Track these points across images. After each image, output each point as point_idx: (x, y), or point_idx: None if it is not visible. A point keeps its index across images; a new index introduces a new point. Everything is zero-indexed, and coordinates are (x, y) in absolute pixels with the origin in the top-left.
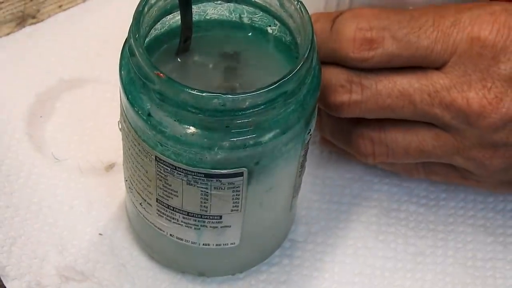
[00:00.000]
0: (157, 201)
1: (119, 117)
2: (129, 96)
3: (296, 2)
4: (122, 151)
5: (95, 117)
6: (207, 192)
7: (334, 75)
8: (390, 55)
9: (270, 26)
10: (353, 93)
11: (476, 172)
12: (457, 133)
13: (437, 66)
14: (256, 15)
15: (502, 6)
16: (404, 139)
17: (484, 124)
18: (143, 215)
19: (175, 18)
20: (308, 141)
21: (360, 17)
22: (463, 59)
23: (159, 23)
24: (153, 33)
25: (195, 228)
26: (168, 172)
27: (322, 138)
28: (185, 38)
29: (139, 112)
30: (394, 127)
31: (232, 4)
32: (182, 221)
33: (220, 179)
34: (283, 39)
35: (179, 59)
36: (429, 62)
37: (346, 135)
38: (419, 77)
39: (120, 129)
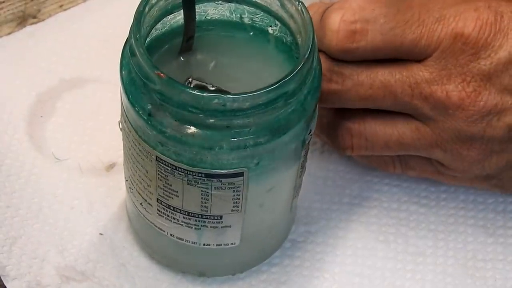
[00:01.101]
0: (157, 201)
1: (120, 117)
2: (130, 96)
3: (297, 3)
4: (122, 151)
5: (95, 117)
6: (207, 192)
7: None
8: (374, 48)
9: (270, 26)
10: (333, 82)
11: (452, 166)
12: (436, 125)
13: (420, 59)
14: (257, 16)
15: (486, 3)
16: (384, 132)
17: (462, 116)
18: (144, 215)
19: (176, 18)
20: (309, 142)
21: (345, 9)
22: (445, 54)
23: (160, 23)
24: (154, 33)
25: (195, 228)
26: (168, 172)
27: None
28: (188, 37)
29: (140, 112)
30: (374, 120)
31: (233, 4)
32: (182, 221)
33: (220, 179)
34: (284, 39)
35: (182, 58)
36: (412, 56)
37: (326, 126)
38: (401, 68)
39: (120, 129)
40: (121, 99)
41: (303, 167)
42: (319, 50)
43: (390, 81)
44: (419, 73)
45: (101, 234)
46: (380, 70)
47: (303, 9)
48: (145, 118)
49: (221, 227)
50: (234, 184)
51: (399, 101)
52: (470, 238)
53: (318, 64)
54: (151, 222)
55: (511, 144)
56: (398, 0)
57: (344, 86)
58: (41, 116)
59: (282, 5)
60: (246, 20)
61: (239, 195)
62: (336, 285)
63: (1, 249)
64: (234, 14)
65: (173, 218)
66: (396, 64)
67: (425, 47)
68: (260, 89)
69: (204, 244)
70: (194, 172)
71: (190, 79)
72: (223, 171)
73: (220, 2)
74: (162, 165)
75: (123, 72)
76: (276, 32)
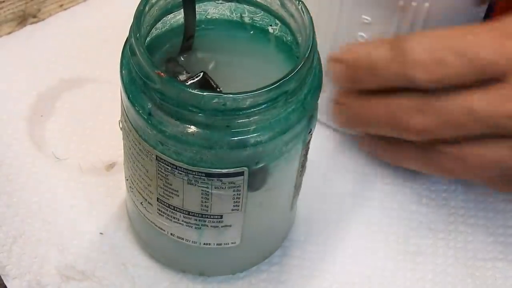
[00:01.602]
0: (157, 200)
1: (120, 116)
2: (130, 96)
3: (297, 2)
4: (122, 151)
5: (95, 116)
6: (207, 192)
7: (405, 99)
8: (460, 74)
9: (271, 25)
10: (426, 115)
11: None
12: None
13: (501, 79)
14: (257, 15)
15: None
16: (480, 153)
17: None
18: (144, 215)
19: (176, 17)
20: (309, 141)
21: (425, 38)
22: None
23: (160, 22)
24: (154, 32)
25: (195, 228)
26: (168, 172)
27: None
28: (188, 36)
29: (140, 111)
30: (469, 141)
31: (233, 4)
32: (182, 221)
33: (220, 179)
34: (284, 38)
35: (182, 58)
36: (493, 76)
37: (420, 153)
38: (486, 91)
39: (120, 129)
40: (121, 99)
41: (303, 166)
42: (399, 86)
43: (480, 106)
44: (504, 92)
45: (101, 233)
46: (468, 96)
47: (303, 8)
48: (145, 117)
49: (222, 227)
50: (234, 183)
51: (491, 124)
52: (470, 237)
53: (318, 63)
54: (151, 221)
55: None
56: (468, 24)
57: (437, 118)
58: (41, 116)
59: (283, 4)
60: (246, 20)
61: (239, 194)
62: (336, 284)
63: (1, 248)
64: (234, 14)
65: (173, 218)
66: (481, 88)
67: (504, 66)
68: (260, 88)
69: (204, 244)
70: (194, 171)
71: (200, 74)
72: (223, 171)
73: (220, 1)
74: (162, 164)
75: (123, 72)
76: (277, 31)
